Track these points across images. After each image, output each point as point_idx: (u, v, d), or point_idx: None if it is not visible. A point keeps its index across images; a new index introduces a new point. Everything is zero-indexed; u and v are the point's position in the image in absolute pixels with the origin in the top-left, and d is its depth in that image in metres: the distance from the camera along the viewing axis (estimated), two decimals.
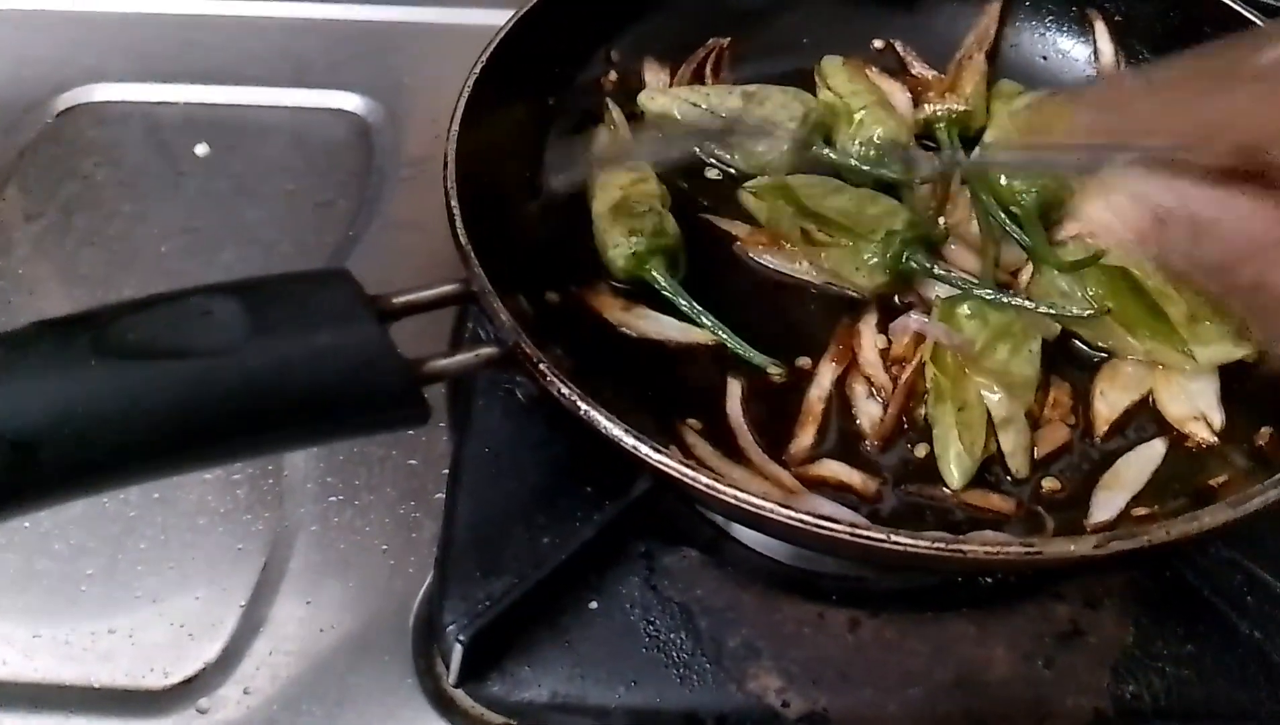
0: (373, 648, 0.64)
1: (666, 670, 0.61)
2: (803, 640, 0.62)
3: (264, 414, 0.48)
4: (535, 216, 0.74)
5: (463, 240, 0.60)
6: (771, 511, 0.50)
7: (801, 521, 0.49)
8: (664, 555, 0.65)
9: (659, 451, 0.52)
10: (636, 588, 0.64)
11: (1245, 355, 0.67)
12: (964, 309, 0.68)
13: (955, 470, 0.64)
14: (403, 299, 0.56)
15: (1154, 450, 0.65)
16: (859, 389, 0.68)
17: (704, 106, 0.79)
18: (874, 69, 0.84)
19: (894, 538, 0.49)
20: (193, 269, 0.83)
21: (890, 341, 0.69)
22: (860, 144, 0.77)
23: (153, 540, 0.69)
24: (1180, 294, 0.67)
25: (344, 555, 0.68)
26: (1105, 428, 0.67)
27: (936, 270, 0.70)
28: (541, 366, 0.55)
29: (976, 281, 0.70)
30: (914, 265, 0.70)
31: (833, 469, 0.64)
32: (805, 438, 0.66)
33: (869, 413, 0.67)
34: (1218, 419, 0.66)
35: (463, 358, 0.55)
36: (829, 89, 0.80)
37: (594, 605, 0.63)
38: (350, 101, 0.94)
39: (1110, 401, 0.68)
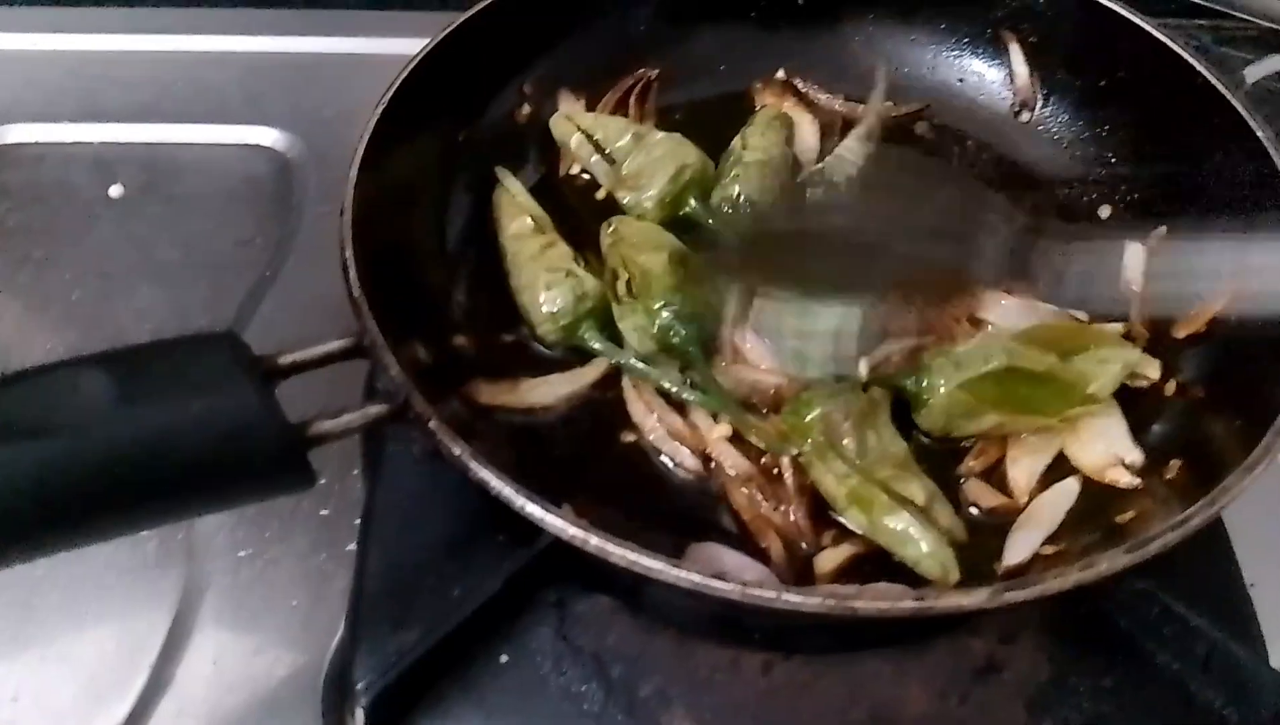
0: (281, 706, 0.63)
1: (578, 722, 0.60)
2: (716, 686, 0.61)
3: (135, 488, 0.47)
4: (443, 259, 0.72)
5: (355, 292, 0.59)
6: (661, 573, 0.49)
7: (691, 582, 0.48)
8: (576, 603, 0.64)
9: (549, 511, 0.51)
10: (548, 638, 0.63)
11: (1132, 362, 0.67)
12: (814, 410, 0.65)
13: (942, 565, 0.60)
14: (290, 358, 0.55)
15: (1069, 488, 0.65)
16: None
17: (598, 139, 0.78)
18: (792, 100, 0.83)
19: (784, 596, 0.48)
20: (105, 314, 0.82)
21: None
22: (722, 201, 0.75)
23: (60, 599, 0.67)
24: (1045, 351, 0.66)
25: (253, 611, 0.67)
26: (1026, 497, 0.66)
27: (598, 345, 0.69)
28: (431, 424, 0.54)
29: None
30: (585, 338, 0.70)
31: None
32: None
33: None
34: (1136, 457, 0.66)
35: (349, 418, 0.54)
36: (744, 135, 0.79)
37: (504, 658, 0.62)
38: (268, 136, 0.93)
39: (1026, 468, 0.66)
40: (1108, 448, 0.66)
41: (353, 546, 0.68)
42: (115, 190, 0.89)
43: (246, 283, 0.83)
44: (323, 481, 0.70)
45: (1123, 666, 0.62)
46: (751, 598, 0.48)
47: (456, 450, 0.53)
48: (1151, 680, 0.62)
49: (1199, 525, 0.52)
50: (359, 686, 0.59)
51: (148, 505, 0.49)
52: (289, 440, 0.51)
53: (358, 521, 0.69)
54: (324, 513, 0.70)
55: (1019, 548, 0.62)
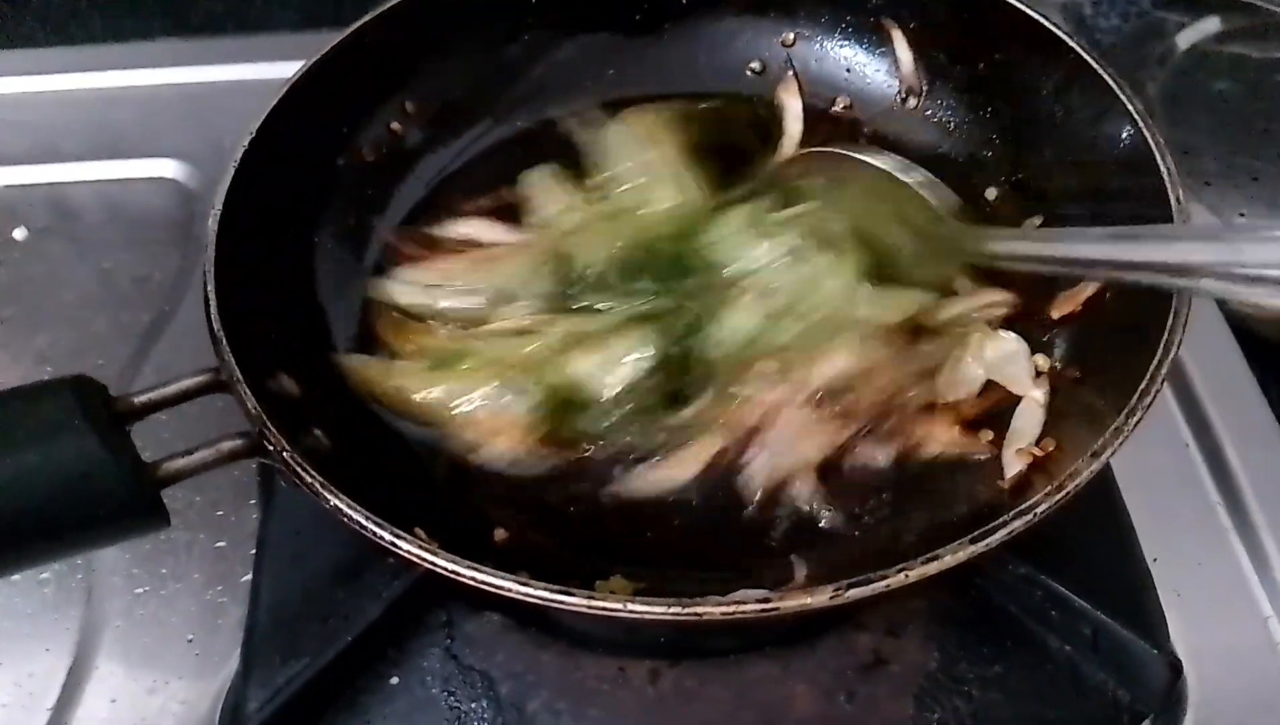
0: None
1: None
2: (602, 698, 0.61)
3: None
4: (316, 288, 0.72)
5: (216, 327, 0.59)
6: (509, 590, 0.49)
7: (539, 598, 0.48)
8: (465, 623, 0.64)
9: (401, 538, 0.51)
10: (437, 658, 0.63)
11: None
12: None
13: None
14: (145, 397, 0.55)
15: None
16: None
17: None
18: None
19: (630, 605, 0.48)
20: (7, 358, 0.82)
21: None
22: None
23: None
24: None
25: (150, 648, 0.67)
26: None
27: None
28: (285, 455, 0.54)
29: None
30: None
31: None
32: None
33: None
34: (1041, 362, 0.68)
35: (203, 454, 0.54)
36: None
37: (394, 680, 0.62)
38: (169, 168, 0.93)
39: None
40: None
41: (248, 578, 0.68)
42: (19, 233, 0.90)
43: (145, 319, 0.83)
44: (219, 513, 0.72)
45: (1012, 652, 0.63)
46: (598, 609, 0.48)
47: (308, 480, 0.53)
48: (1041, 665, 0.62)
49: (1047, 512, 0.51)
50: (250, 716, 0.60)
51: None
52: (138, 482, 0.51)
53: (253, 552, 0.69)
54: (220, 544, 0.70)
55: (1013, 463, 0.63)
